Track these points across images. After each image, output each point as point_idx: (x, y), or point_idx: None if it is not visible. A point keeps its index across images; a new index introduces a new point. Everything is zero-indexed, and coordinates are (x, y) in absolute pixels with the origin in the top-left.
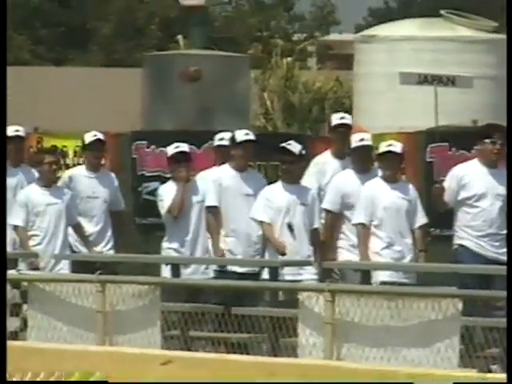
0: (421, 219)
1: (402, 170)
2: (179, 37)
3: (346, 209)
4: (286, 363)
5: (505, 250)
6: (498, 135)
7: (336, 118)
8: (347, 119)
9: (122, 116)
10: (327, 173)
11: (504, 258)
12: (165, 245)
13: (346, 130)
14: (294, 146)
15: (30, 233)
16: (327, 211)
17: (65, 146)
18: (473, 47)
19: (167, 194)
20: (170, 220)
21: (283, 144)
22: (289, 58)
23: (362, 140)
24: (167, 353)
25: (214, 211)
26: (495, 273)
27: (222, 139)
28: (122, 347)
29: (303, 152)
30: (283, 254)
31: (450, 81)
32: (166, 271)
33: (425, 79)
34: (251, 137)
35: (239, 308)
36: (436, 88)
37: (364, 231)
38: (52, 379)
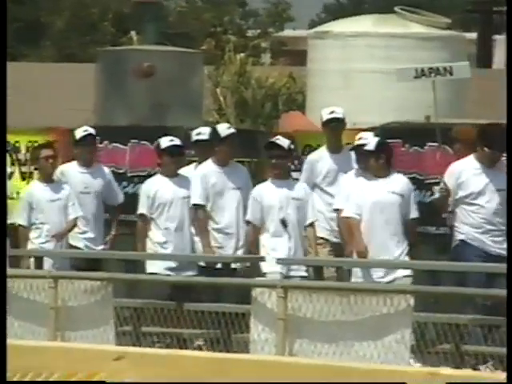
0: (411, 214)
1: (389, 163)
2: (133, 32)
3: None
4: (237, 359)
5: (504, 246)
6: (496, 144)
7: (326, 113)
8: (338, 113)
9: (75, 111)
10: (322, 170)
11: (505, 252)
12: (148, 240)
13: (337, 123)
14: (283, 141)
15: (34, 230)
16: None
17: (17, 142)
18: (425, 44)
19: (153, 188)
20: (155, 215)
21: (272, 139)
22: (242, 54)
23: (198, 134)
24: (119, 348)
25: (201, 209)
26: (496, 271)
27: (199, 134)
28: (74, 343)
29: (292, 147)
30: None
31: (447, 71)
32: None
33: (422, 73)
34: (233, 130)
35: (191, 304)
36: (434, 81)
37: (355, 224)
38: (52, 379)
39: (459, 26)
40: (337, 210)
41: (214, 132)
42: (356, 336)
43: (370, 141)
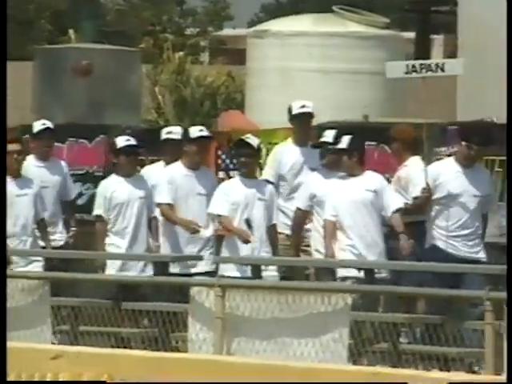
0: (393, 205)
1: (360, 163)
2: (70, 30)
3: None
4: (175, 358)
5: (479, 248)
6: (476, 140)
7: (296, 107)
8: (308, 107)
9: (12, 109)
10: (288, 162)
11: (478, 255)
12: (106, 240)
13: (307, 118)
14: (253, 140)
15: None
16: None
17: None
18: (363, 43)
19: (110, 188)
20: (112, 215)
21: (242, 137)
22: (181, 53)
23: (169, 133)
24: (57, 347)
25: (168, 208)
26: (467, 271)
27: (170, 133)
28: (11, 342)
29: (261, 146)
30: (247, 242)
31: (438, 67)
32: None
33: (413, 69)
34: (206, 133)
35: (129, 303)
36: (424, 77)
37: (330, 226)
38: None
39: (397, 25)
40: (296, 209)
41: (185, 133)
42: (294, 335)
43: (342, 139)
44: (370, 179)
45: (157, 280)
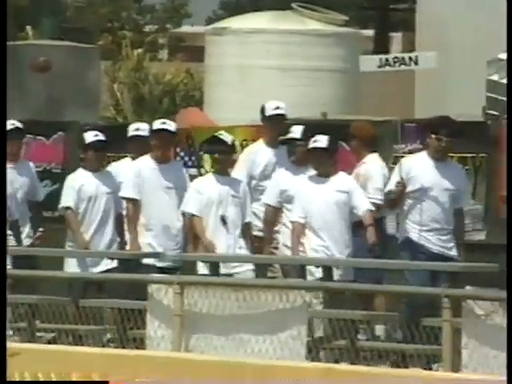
0: (364, 206)
1: (335, 163)
2: (28, 27)
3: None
4: (133, 355)
5: (451, 244)
6: (444, 131)
7: (271, 108)
8: (282, 109)
9: None
10: (261, 162)
11: (451, 253)
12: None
13: (280, 119)
14: (226, 136)
15: None
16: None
17: None
18: (322, 40)
19: (78, 182)
20: (80, 209)
21: (215, 134)
22: (139, 50)
23: (137, 129)
24: (14, 345)
25: (132, 203)
26: (441, 269)
27: (137, 129)
28: None
29: (235, 142)
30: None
31: (412, 61)
32: (71, 265)
33: (386, 62)
34: (167, 126)
35: (86, 300)
36: (397, 75)
37: (298, 228)
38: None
39: (356, 23)
40: (266, 205)
41: (151, 127)
42: (252, 332)
43: (321, 138)
44: (343, 180)
45: (115, 277)
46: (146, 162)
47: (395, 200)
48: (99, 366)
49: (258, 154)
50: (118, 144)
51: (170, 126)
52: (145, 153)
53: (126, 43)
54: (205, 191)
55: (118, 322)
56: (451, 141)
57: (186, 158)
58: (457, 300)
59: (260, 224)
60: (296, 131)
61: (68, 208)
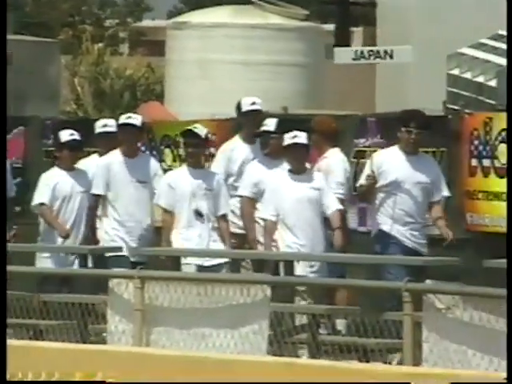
0: (333, 205)
1: (308, 159)
2: None
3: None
4: (94, 350)
5: (424, 241)
6: (414, 123)
7: (247, 104)
8: (258, 105)
9: None
10: (237, 159)
11: (423, 250)
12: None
13: (256, 115)
14: (200, 130)
15: None
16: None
17: None
18: (283, 35)
19: (54, 180)
20: (54, 207)
21: (189, 127)
22: (100, 44)
23: (104, 126)
24: None
25: (98, 199)
26: (402, 263)
27: (105, 126)
28: None
29: (209, 135)
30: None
31: (387, 54)
32: (46, 261)
33: (361, 55)
34: (132, 120)
35: (47, 294)
36: (372, 64)
37: (270, 226)
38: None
39: (317, 17)
40: (242, 197)
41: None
42: (213, 326)
43: (300, 134)
44: (315, 177)
45: (76, 272)
46: (115, 157)
47: (366, 193)
48: (60, 361)
49: (234, 151)
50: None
51: (136, 120)
52: (113, 148)
53: (87, 37)
54: (177, 185)
55: (79, 316)
56: (421, 133)
57: (147, 152)
58: (417, 294)
59: (238, 221)
60: (270, 124)
61: (43, 204)
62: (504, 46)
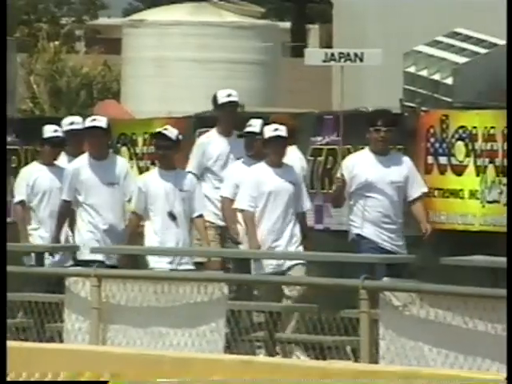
0: (306, 203)
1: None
2: None
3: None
4: (51, 349)
5: (400, 242)
6: (381, 122)
7: (222, 96)
8: (234, 96)
9: None
10: (213, 153)
11: (403, 251)
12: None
13: (233, 107)
14: (171, 131)
15: None
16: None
17: None
18: (239, 32)
19: (33, 175)
20: (33, 203)
21: (159, 129)
22: (56, 42)
23: (71, 123)
24: None
25: (65, 205)
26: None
27: (72, 123)
28: None
29: (180, 137)
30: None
31: (357, 57)
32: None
33: (331, 57)
34: (98, 123)
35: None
36: (342, 71)
37: (249, 217)
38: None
39: (273, 15)
40: (223, 198)
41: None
42: (170, 325)
43: (280, 127)
44: (291, 172)
45: (32, 270)
46: (84, 161)
47: (336, 197)
48: (17, 360)
49: (209, 145)
50: (33, 137)
51: (101, 122)
52: (81, 146)
53: (43, 35)
54: (149, 188)
55: (36, 315)
56: (390, 130)
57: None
58: (374, 291)
59: (214, 209)
60: (255, 125)
61: (20, 202)
62: (459, 44)
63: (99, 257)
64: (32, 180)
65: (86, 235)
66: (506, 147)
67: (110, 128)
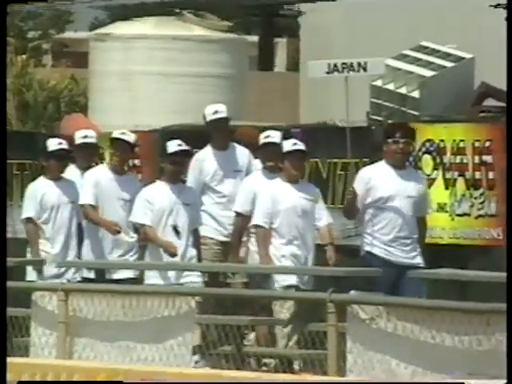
0: (324, 218)
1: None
2: None
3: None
4: (17, 363)
5: (415, 253)
6: (400, 134)
7: (210, 113)
8: (221, 112)
9: None
10: (210, 169)
11: (415, 261)
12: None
13: (222, 123)
14: (129, 135)
15: None
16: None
17: None
18: (206, 46)
19: (40, 191)
20: (41, 219)
21: (168, 143)
22: (23, 56)
23: (85, 137)
24: None
25: (90, 209)
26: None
27: (85, 137)
28: None
29: (137, 142)
30: (173, 255)
31: (361, 67)
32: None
33: (335, 68)
34: (126, 137)
35: None
36: (347, 77)
37: (262, 233)
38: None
39: (240, 28)
40: (237, 213)
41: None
42: (137, 339)
43: (298, 142)
44: (309, 188)
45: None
46: (104, 173)
47: (347, 209)
48: None
49: (205, 161)
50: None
51: (129, 136)
52: (92, 160)
53: (11, 49)
54: (154, 200)
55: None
56: (408, 142)
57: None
58: (341, 304)
59: (219, 227)
60: (274, 136)
61: (29, 219)
62: (426, 58)
63: (130, 273)
64: (40, 196)
65: (95, 251)
66: (476, 160)
67: (135, 145)
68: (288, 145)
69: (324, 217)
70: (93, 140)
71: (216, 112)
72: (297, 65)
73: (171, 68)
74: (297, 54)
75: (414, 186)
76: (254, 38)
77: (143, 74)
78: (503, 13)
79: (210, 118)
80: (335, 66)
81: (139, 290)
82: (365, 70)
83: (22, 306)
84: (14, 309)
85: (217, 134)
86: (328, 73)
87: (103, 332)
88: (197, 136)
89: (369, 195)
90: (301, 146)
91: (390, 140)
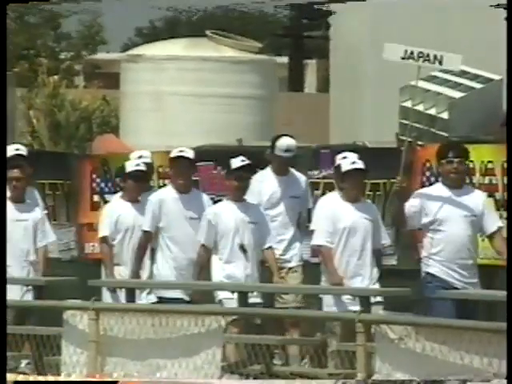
0: (383, 240)
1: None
2: None
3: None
4: (49, 382)
5: (474, 280)
6: (453, 153)
7: (281, 149)
8: (292, 151)
9: None
10: (267, 191)
11: (474, 287)
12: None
13: (291, 159)
14: (240, 161)
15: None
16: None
17: None
18: (236, 67)
19: (116, 212)
20: (116, 240)
21: (232, 159)
22: (55, 77)
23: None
24: None
25: (146, 236)
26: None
27: (140, 157)
28: None
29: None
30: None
31: (436, 60)
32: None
33: (410, 55)
34: (185, 153)
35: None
36: (419, 70)
37: (327, 253)
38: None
39: (270, 50)
40: (318, 246)
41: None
42: (168, 356)
43: (359, 161)
44: (369, 208)
45: (31, 304)
46: (169, 193)
47: (398, 193)
48: None
49: (263, 183)
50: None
51: (188, 153)
52: (145, 182)
53: (43, 70)
54: (219, 220)
55: (34, 348)
56: (462, 161)
57: (103, 185)
58: (370, 324)
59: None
60: (358, 162)
61: (104, 238)
62: (455, 79)
63: (178, 293)
64: (115, 217)
65: (165, 271)
66: (505, 181)
67: (195, 160)
68: (346, 164)
69: (381, 239)
70: (148, 160)
71: (287, 150)
72: (327, 85)
73: (202, 89)
74: (327, 74)
75: (470, 205)
76: (284, 60)
77: (174, 95)
78: (503, 13)
79: (279, 153)
80: (411, 53)
81: (169, 309)
82: (440, 63)
83: (53, 324)
84: (45, 327)
85: (278, 165)
86: (403, 58)
87: (134, 350)
88: (228, 156)
89: (423, 217)
90: (360, 164)
91: (443, 161)
